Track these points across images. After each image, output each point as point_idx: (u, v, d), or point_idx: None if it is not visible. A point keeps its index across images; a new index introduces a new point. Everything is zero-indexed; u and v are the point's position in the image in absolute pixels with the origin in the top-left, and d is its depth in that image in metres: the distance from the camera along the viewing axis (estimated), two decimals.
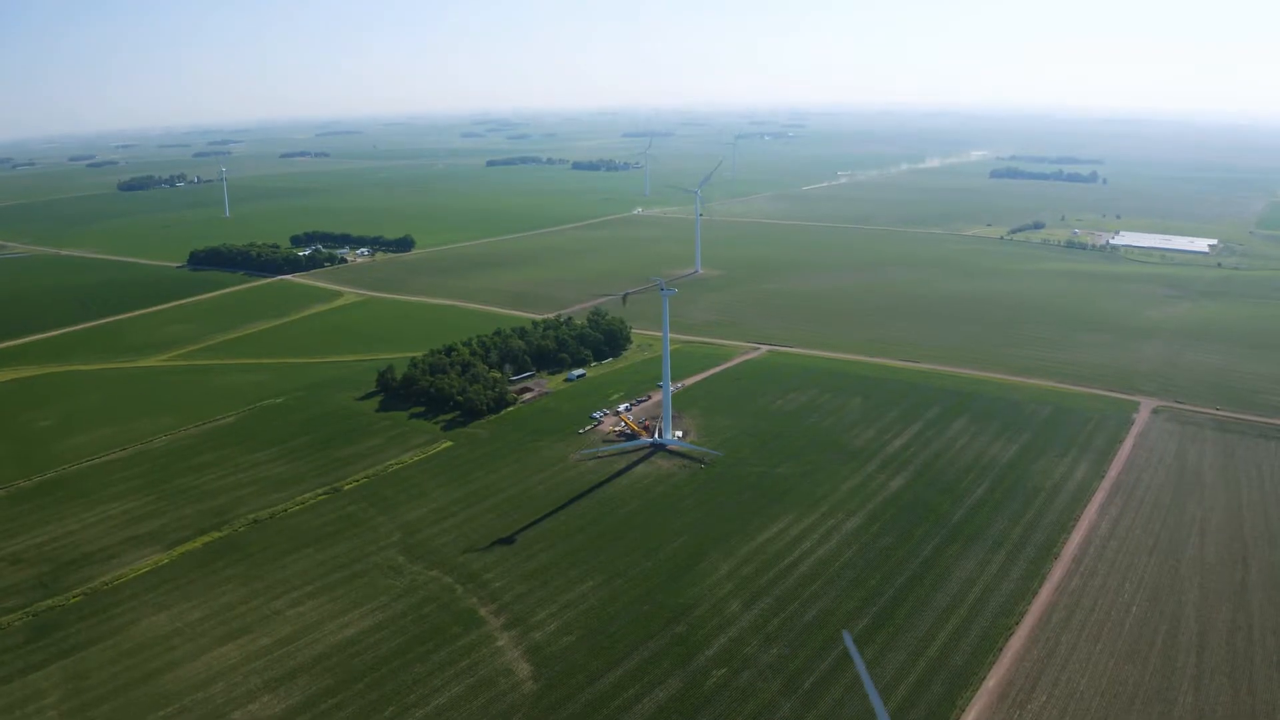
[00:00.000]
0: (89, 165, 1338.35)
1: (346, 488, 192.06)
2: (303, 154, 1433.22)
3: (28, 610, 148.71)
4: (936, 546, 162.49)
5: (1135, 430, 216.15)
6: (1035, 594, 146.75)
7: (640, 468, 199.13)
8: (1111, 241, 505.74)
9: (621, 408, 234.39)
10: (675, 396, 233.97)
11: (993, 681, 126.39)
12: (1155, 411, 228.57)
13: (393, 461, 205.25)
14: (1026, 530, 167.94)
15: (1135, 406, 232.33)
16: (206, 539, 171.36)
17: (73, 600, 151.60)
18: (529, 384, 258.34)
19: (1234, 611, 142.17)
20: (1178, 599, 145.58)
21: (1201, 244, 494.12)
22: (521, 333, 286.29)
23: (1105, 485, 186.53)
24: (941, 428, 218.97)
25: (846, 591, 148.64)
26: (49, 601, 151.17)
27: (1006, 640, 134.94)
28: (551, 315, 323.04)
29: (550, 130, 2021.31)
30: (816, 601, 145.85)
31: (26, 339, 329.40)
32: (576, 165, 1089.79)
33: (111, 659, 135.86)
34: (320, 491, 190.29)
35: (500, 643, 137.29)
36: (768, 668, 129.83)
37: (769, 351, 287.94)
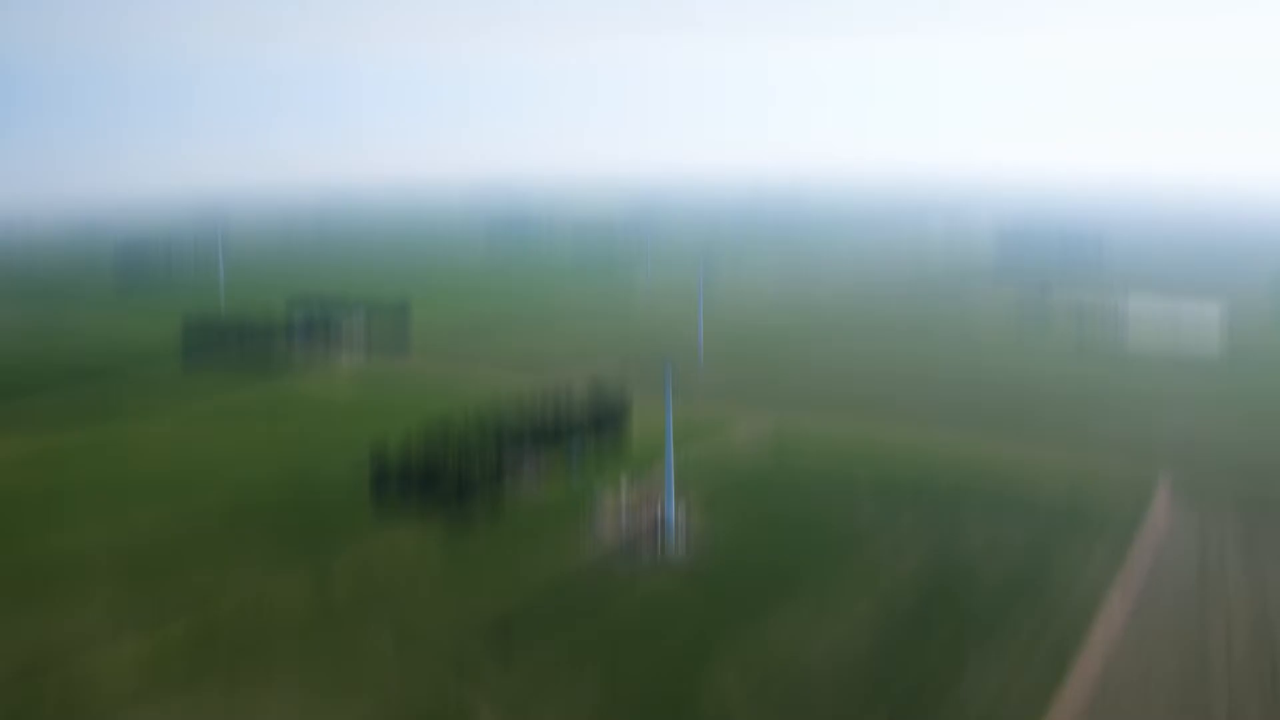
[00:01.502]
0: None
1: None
2: (299, 220, 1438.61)
3: None
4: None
5: (1152, 516, 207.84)
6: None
7: (636, 581, 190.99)
8: (1118, 308, 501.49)
9: (622, 486, 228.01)
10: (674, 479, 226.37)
11: None
12: (1173, 491, 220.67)
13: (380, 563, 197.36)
14: (1033, 638, 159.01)
15: (1152, 485, 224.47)
16: None
17: None
18: (524, 465, 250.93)
19: None
20: None
21: (1212, 309, 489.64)
22: (518, 408, 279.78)
23: (1122, 583, 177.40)
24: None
25: None
26: None
27: None
28: (549, 388, 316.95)
29: (548, 197, 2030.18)
30: None
31: None
32: (574, 232, 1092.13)
33: None
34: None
35: None
36: None
37: (775, 426, 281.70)
